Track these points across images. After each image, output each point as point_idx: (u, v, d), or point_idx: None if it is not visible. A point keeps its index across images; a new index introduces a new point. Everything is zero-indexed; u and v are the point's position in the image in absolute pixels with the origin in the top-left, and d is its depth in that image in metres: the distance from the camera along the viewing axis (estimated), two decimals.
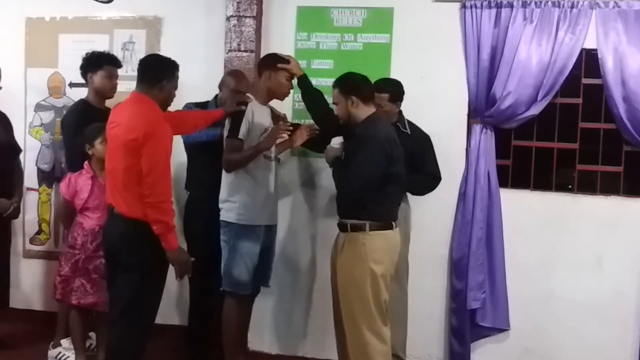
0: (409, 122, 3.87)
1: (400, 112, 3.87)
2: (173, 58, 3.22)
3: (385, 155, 3.21)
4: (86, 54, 3.93)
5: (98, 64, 3.87)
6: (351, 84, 3.36)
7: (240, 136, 3.48)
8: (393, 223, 3.33)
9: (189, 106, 3.96)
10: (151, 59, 3.30)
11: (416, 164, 3.74)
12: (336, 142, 3.40)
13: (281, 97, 3.69)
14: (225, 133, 3.54)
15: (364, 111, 3.32)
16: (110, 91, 3.93)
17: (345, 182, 3.25)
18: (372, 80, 3.56)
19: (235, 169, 3.51)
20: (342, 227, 3.36)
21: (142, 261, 3.03)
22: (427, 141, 3.88)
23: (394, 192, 3.35)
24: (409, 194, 3.93)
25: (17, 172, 4.22)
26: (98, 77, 3.88)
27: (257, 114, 3.56)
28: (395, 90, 3.80)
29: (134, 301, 3.04)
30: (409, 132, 3.81)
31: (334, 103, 3.43)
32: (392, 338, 3.50)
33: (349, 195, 3.29)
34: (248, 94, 3.64)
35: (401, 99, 3.84)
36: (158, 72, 3.14)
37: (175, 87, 3.22)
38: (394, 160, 3.25)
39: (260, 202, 3.56)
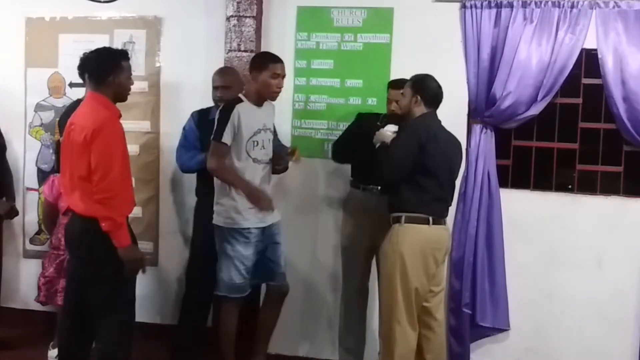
0: None
1: None
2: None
3: (417, 143, 3.31)
4: (84, 53, 3.92)
5: None
6: (423, 85, 3.45)
7: (224, 140, 3.44)
8: (430, 218, 3.37)
9: (194, 116, 4.00)
10: (92, 58, 3.22)
11: None
12: (391, 128, 3.49)
13: (270, 98, 3.60)
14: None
15: (420, 111, 3.43)
16: None
17: (381, 167, 3.35)
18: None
19: (215, 176, 3.53)
20: (389, 219, 3.46)
21: (106, 259, 3.01)
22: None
23: (431, 187, 3.37)
24: None
25: (7, 170, 4.21)
26: None
27: (246, 116, 3.48)
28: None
29: (110, 300, 3.05)
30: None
31: (401, 92, 3.52)
32: None
33: (383, 179, 3.43)
34: (240, 95, 3.58)
35: None
36: (101, 70, 3.12)
37: (128, 76, 3.18)
38: (428, 153, 3.31)
39: (247, 205, 3.50)
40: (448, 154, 3.46)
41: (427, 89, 3.44)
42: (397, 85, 3.72)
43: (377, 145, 3.47)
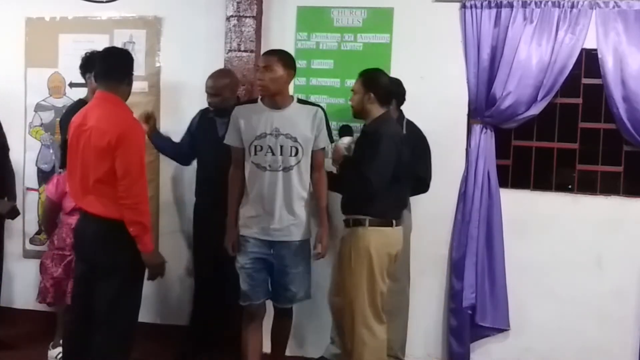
0: (410, 122, 3.87)
1: (401, 112, 3.87)
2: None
3: (396, 153, 3.31)
4: (85, 53, 3.92)
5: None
6: (375, 81, 3.42)
7: (226, 141, 3.40)
8: (393, 221, 3.39)
9: (196, 116, 4.05)
10: (114, 54, 3.22)
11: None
12: (345, 141, 3.51)
13: (260, 94, 3.42)
14: None
15: (376, 110, 3.40)
16: None
17: (359, 178, 3.28)
18: None
19: None
20: (346, 223, 3.46)
21: (122, 262, 3.00)
22: (421, 143, 3.84)
23: (397, 192, 3.41)
24: None
25: (8, 172, 4.22)
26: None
27: (247, 118, 3.35)
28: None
29: (117, 304, 3.02)
30: (404, 132, 3.80)
31: (352, 90, 3.50)
32: (391, 339, 3.58)
33: (364, 190, 3.31)
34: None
35: (398, 99, 3.82)
36: (125, 65, 3.11)
37: None
38: (400, 161, 3.33)
39: (249, 213, 3.38)
40: (411, 158, 3.47)
41: (379, 85, 3.42)
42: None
43: (339, 160, 3.48)
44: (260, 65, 3.35)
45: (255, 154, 3.34)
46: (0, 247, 4.28)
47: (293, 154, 3.34)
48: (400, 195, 3.49)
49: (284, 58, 3.38)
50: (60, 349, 3.92)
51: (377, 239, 3.36)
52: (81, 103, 3.91)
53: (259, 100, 3.42)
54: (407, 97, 3.94)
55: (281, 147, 3.32)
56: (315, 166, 3.45)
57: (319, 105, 3.53)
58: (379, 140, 3.28)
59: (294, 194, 3.35)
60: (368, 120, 3.44)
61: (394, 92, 3.60)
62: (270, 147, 3.32)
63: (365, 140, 3.38)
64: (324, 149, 3.50)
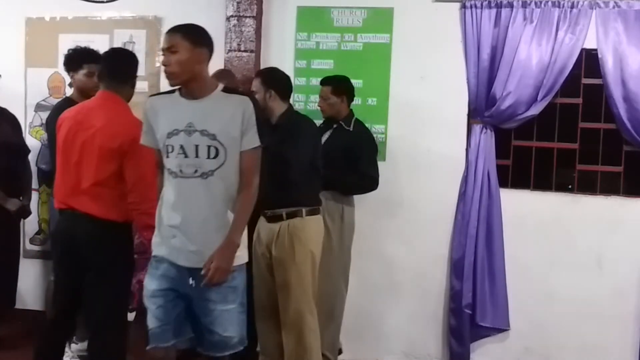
0: (358, 121, 3.86)
1: (351, 111, 3.87)
2: None
3: (314, 142, 3.41)
4: (68, 50, 3.86)
5: (78, 62, 3.78)
6: (274, 77, 3.42)
7: (142, 142, 2.72)
8: (320, 208, 3.45)
9: None
10: (121, 54, 3.21)
11: (353, 162, 3.73)
12: None
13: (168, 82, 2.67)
14: None
15: (279, 106, 3.38)
16: (93, 89, 3.65)
17: (285, 169, 3.22)
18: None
19: None
20: (276, 218, 3.32)
21: (118, 262, 2.97)
22: (366, 140, 3.83)
23: (318, 181, 3.47)
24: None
25: (26, 172, 4.23)
26: (79, 76, 3.77)
27: (155, 112, 2.67)
28: (337, 83, 3.80)
29: (114, 305, 3.00)
30: (350, 129, 3.81)
31: (252, 90, 3.41)
32: (321, 337, 3.51)
33: (291, 181, 3.27)
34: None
35: (348, 94, 3.83)
36: (131, 67, 3.10)
37: None
38: (316, 150, 3.42)
39: (161, 229, 2.68)
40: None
41: (278, 81, 3.40)
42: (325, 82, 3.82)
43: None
44: (163, 46, 2.60)
45: (167, 156, 2.62)
46: (16, 247, 4.27)
47: (212, 155, 2.58)
48: (319, 183, 3.49)
49: (190, 34, 2.60)
50: (80, 345, 3.85)
51: (316, 227, 3.39)
52: (67, 101, 3.86)
53: (177, 90, 2.69)
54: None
55: (196, 147, 2.58)
56: (240, 171, 2.64)
57: (250, 95, 2.79)
58: (298, 128, 3.30)
59: (218, 207, 2.61)
60: (273, 117, 3.35)
61: (347, 89, 3.76)
62: (182, 147, 2.59)
63: (282, 131, 3.29)
64: (254, 149, 2.65)
